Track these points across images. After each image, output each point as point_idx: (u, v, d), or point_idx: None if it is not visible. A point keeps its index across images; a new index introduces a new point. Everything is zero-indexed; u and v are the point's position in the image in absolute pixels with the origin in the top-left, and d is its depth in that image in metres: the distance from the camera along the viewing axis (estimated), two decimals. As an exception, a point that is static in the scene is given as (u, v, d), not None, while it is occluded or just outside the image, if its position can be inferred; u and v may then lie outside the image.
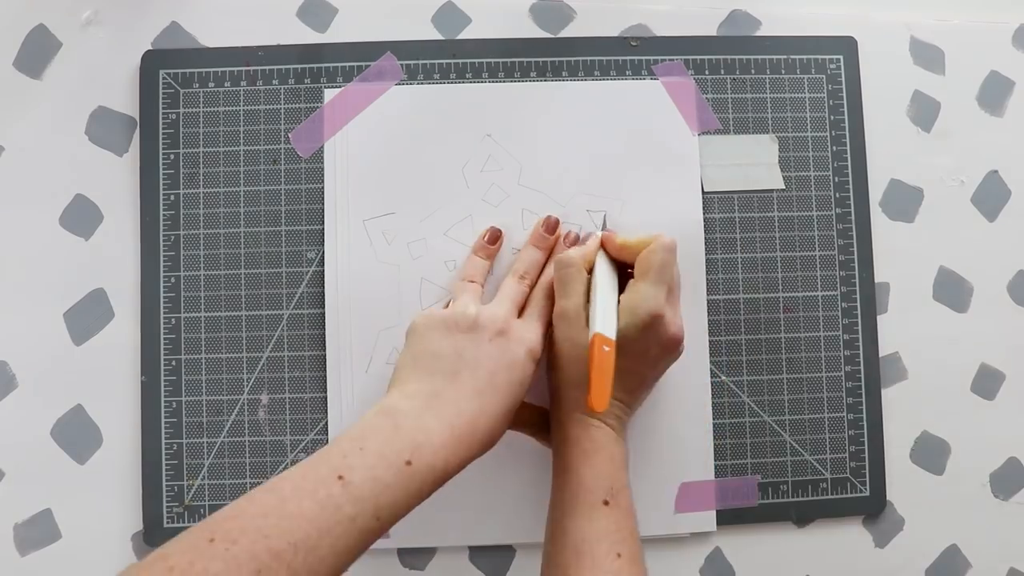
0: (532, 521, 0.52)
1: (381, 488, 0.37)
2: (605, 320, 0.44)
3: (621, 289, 0.47)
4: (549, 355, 0.48)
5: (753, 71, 0.55)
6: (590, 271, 0.48)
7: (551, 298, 0.48)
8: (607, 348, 0.42)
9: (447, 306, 0.50)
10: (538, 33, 0.56)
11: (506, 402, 0.43)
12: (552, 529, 0.45)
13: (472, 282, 0.50)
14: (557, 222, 0.52)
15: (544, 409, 0.50)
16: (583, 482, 0.44)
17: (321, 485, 0.36)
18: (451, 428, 0.40)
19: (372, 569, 0.52)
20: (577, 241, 0.52)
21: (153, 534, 0.51)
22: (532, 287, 0.50)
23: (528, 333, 0.46)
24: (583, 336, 0.45)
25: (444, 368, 0.43)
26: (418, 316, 0.46)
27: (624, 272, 0.49)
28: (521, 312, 0.48)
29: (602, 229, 0.52)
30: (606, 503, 0.43)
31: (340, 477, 0.36)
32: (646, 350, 0.45)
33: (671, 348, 0.46)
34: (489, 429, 0.42)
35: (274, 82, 0.54)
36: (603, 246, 0.49)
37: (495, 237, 0.52)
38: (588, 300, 0.46)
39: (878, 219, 0.56)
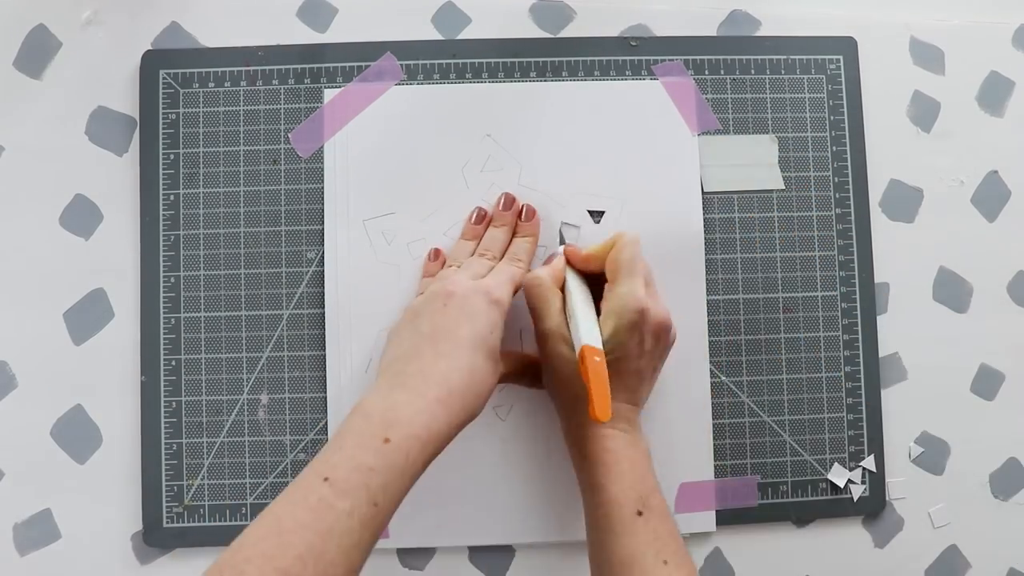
0: (532, 521, 0.52)
1: (367, 473, 0.37)
2: (589, 331, 0.44)
3: (596, 298, 0.47)
4: (545, 379, 0.48)
5: (753, 71, 0.55)
6: (562, 289, 0.48)
7: (517, 263, 0.49)
8: (598, 359, 0.42)
9: None
10: (538, 33, 0.56)
11: (477, 354, 0.42)
12: (593, 549, 0.44)
13: (451, 266, 0.50)
14: (514, 199, 0.52)
15: (529, 356, 0.50)
16: (612, 498, 0.43)
17: (310, 492, 0.36)
18: (422, 396, 0.40)
19: (372, 569, 0.52)
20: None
21: (153, 534, 0.51)
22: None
23: (487, 282, 0.45)
24: (571, 352, 0.45)
25: (406, 352, 0.43)
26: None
27: (596, 283, 0.49)
28: None
29: (561, 244, 0.52)
30: (639, 513, 0.42)
31: (325, 479, 0.36)
32: (640, 346, 0.45)
33: (663, 336, 0.46)
34: (467, 385, 0.41)
35: (274, 82, 0.54)
36: (569, 261, 0.49)
37: (482, 217, 0.52)
38: (566, 317, 0.46)
39: (878, 219, 0.56)
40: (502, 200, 0.52)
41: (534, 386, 0.49)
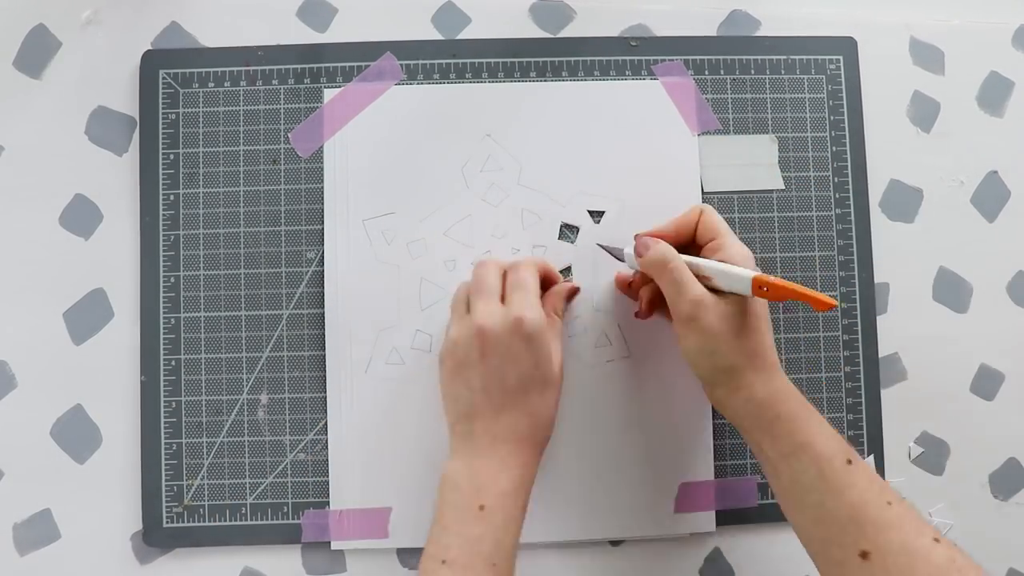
0: (532, 521, 0.52)
1: (476, 542, 0.41)
2: (741, 268, 0.43)
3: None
4: (705, 353, 0.44)
5: (753, 71, 0.55)
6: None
7: (530, 262, 0.48)
8: (771, 276, 0.42)
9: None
10: (538, 33, 0.56)
11: (530, 395, 0.45)
12: (804, 515, 0.42)
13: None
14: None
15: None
16: (821, 453, 0.41)
17: None
18: (496, 455, 0.44)
19: (372, 569, 0.52)
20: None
21: (152, 534, 0.51)
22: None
23: (515, 312, 0.45)
24: (735, 302, 0.44)
25: (467, 410, 0.45)
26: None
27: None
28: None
29: (609, 249, 0.52)
30: (849, 462, 0.41)
31: (443, 561, 0.41)
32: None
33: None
34: (532, 426, 0.45)
35: (274, 82, 0.54)
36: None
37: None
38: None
39: (878, 219, 0.56)
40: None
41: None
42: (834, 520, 0.40)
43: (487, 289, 0.46)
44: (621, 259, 0.50)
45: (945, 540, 0.38)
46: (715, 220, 0.47)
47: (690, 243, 0.48)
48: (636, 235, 0.48)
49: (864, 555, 0.38)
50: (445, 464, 0.45)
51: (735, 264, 0.44)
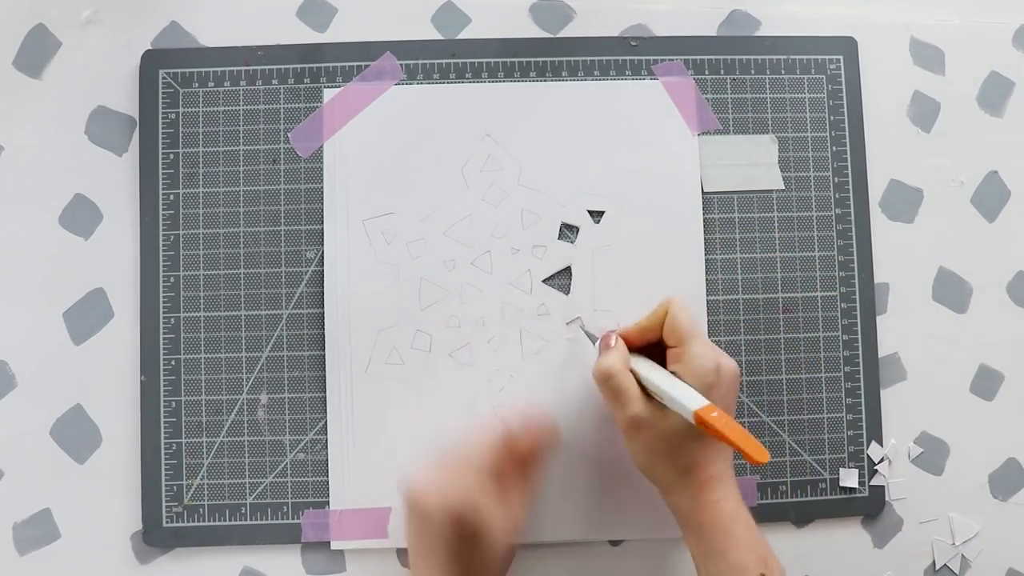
0: (530, 521, 0.52)
1: None
2: (691, 395, 0.43)
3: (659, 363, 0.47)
4: (641, 462, 0.46)
5: (753, 71, 0.55)
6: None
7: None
8: (715, 413, 0.41)
9: None
10: (538, 33, 0.55)
11: (450, 566, 0.42)
12: None
13: None
14: None
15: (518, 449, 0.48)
16: (735, 563, 0.42)
17: None
18: None
19: (371, 569, 0.52)
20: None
21: (152, 534, 0.51)
22: None
23: (440, 483, 0.43)
24: (675, 422, 0.44)
25: (414, 563, 0.43)
26: None
27: (649, 349, 0.48)
28: None
29: (589, 334, 0.51)
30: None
31: None
32: (723, 400, 0.44)
33: (735, 380, 0.46)
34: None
35: (274, 82, 0.54)
36: (626, 340, 0.48)
37: None
38: (649, 394, 0.45)
39: (878, 219, 0.56)
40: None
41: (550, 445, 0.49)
42: None
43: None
44: (594, 343, 0.50)
45: None
46: (679, 323, 0.46)
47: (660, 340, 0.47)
48: (604, 333, 0.48)
49: None
50: None
51: (692, 376, 0.44)
